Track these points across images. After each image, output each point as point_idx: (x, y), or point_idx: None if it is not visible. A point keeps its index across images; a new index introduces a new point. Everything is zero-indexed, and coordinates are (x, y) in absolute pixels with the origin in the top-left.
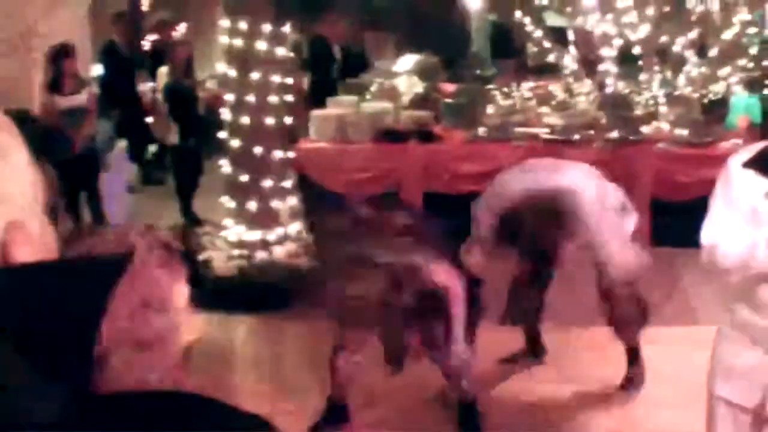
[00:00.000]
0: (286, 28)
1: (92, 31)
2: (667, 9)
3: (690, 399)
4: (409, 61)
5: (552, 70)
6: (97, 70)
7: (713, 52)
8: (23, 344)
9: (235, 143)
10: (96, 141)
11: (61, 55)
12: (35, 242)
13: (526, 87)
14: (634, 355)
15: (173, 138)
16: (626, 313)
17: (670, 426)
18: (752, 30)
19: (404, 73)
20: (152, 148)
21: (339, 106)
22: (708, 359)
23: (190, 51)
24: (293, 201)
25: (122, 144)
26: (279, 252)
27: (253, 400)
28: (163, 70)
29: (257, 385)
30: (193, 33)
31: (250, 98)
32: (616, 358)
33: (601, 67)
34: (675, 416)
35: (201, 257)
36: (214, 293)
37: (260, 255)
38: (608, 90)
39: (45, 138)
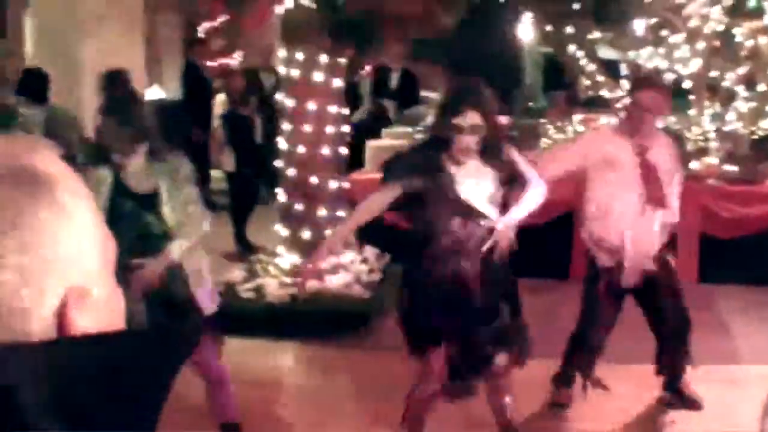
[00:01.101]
0: (343, 59)
1: (146, 56)
2: (717, 44)
3: None
4: None
5: (603, 104)
6: (152, 94)
7: (762, 87)
8: (78, 421)
9: (291, 172)
10: None
11: (114, 80)
12: (99, 309)
13: (577, 119)
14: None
15: (230, 165)
16: None
17: None
18: None
19: None
20: (216, 174)
21: (394, 137)
22: (756, 399)
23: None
24: None
25: None
26: (331, 281)
27: (300, 426)
28: (221, 98)
29: (305, 413)
30: (248, 61)
31: (307, 128)
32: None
33: None
34: None
35: (254, 283)
36: (265, 320)
37: (312, 283)
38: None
39: (99, 161)
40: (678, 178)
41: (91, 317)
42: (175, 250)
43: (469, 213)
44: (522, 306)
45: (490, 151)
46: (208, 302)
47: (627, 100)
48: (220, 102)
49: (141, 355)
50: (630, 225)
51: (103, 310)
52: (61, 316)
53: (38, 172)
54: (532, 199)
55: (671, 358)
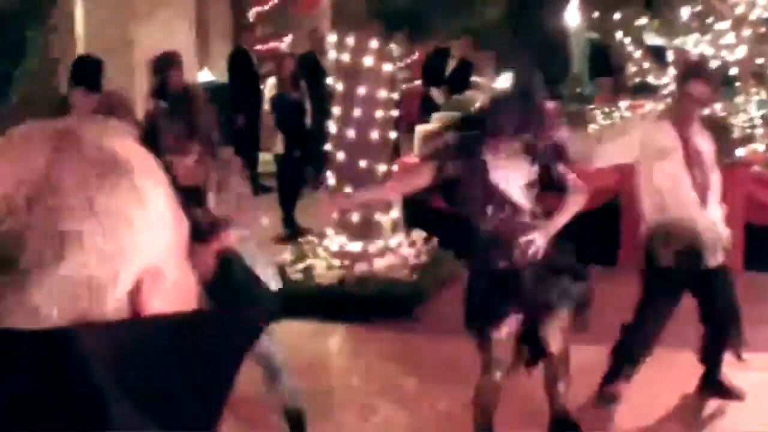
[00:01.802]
0: (393, 45)
1: (197, 40)
2: (763, 30)
3: None
4: (509, 78)
5: (650, 90)
6: (203, 78)
7: None
8: (148, 400)
9: (340, 156)
10: None
11: (166, 63)
12: (171, 290)
13: (624, 105)
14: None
15: (279, 148)
16: None
17: None
18: None
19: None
20: (266, 157)
21: (442, 121)
22: None
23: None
24: (395, 214)
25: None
26: (379, 264)
27: (348, 408)
28: (271, 82)
29: (353, 394)
30: (298, 45)
31: (357, 112)
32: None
33: None
34: None
35: (302, 265)
36: (313, 302)
37: (360, 266)
38: (705, 112)
39: (148, 145)
40: (716, 168)
41: (164, 299)
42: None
43: (502, 200)
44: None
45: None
46: (271, 281)
47: (673, 87)
48: (270, 86)
49: (212, 336)
50: (693, 209)
51: (175, 292)
52: (135, 297)
53: (118, 156)
54: (573, 206)
55: (717, 349)
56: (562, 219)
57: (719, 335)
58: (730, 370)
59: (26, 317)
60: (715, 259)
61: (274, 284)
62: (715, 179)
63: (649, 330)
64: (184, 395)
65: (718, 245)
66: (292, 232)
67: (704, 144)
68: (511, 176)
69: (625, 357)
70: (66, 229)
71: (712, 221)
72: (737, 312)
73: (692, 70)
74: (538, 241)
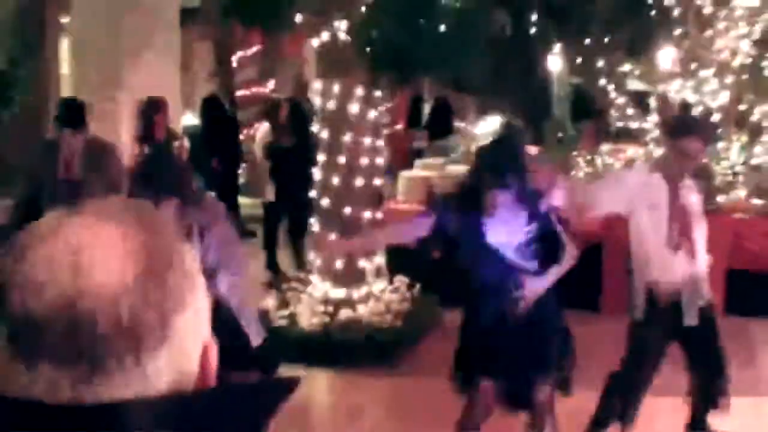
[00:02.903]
0: (378, 92)
1: (182, 84)
2: (745, 77)
3: None
4: (491, 123)
5: (632, 135)
6: (187, 121)
7: None
8: None
9: (325, 202)
10: None
11: (152, 109)
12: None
13: (606, 150)
14: None
15: (269, 195)
16: None
17: None
18: None
19: (488, 135)
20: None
21: (426, 168)
22: None
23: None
24: (379, 260)
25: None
26: (363, 310)
27: None
28: (263, 127)
29: None
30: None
31: (341, 159)
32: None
33: None
34: None
35: (287, 311)
36: (297, 347)
37: (344, 312)
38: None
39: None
40: (702, 218)
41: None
42: (222, 284)
43: (497, 258)
44: (571, 338)
45: (528, 199)
46: (255, 335)
47: (655, 133)
48: (264, 132)
49: (242, 406)
50: (676, 263)
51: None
52: (203, 365)
53: (179, 242)
54: (565, 264)
55: (704, 397)
56: (553, 277)
57: (705, 383)
58: (713, 414)
59: (141, 387)
60: (692, 318)
61: (255, 340)
62: (701, 232)
63: (635, 383)
64: None
65: (697, 304)
66: (274, 277)
67: (693, 197)
68: (508, 236)
69: (613, 411)
70: (167, 314)
71: (694, 280)
72: (722, 361)
73: (685, 126)
74: (528, 297)
